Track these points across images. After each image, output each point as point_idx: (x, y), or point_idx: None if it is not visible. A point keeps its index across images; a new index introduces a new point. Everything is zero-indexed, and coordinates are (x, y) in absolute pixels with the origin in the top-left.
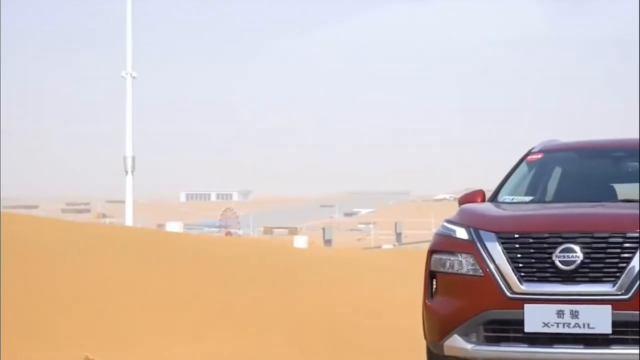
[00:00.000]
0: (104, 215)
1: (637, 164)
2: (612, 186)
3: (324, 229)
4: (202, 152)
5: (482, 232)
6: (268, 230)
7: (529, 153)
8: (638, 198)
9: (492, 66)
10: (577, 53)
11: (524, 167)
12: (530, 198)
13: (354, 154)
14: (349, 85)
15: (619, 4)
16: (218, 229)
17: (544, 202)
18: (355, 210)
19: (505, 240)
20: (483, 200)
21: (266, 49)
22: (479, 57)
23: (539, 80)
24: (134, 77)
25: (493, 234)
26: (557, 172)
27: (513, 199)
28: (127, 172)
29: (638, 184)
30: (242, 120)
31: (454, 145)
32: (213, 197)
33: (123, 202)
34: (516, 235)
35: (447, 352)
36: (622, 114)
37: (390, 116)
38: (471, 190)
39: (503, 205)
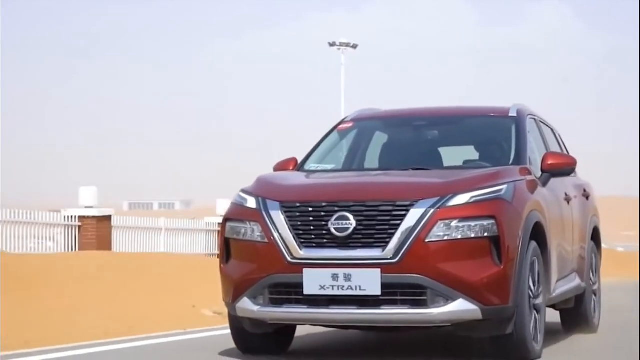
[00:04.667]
0: None
1: (437, 132)
2: (426, 152)
3: None
4: (144, 161)
5: (268, 202)
6: None
7: (341, 122)
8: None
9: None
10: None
11: (334, 135)
12: (332, 166)
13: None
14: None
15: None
16: None
17: (347, 170)
18: None
19: (288, 209)
20: (295, 168)
21: (204, 51)
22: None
23: None
24: None
25: (277, 203)
26: (367, 140)
27: (318, 167)
28: None
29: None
30: (181, 126)
31: None
32: (155, 207)
33: None
34: (297, 205)
35: (239, 314)
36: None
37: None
38: (286, 158)
39: (301, 174)
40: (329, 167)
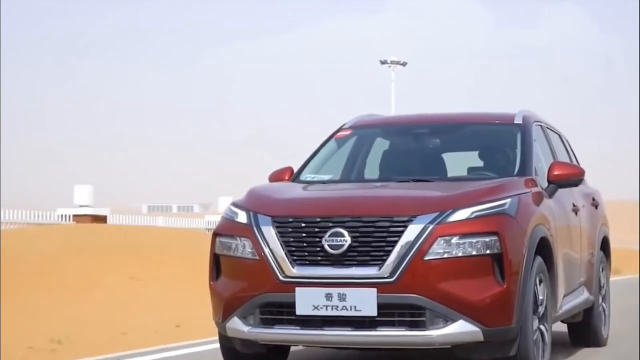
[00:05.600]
0: None
1: (438, 140)
2: (428, 161)
3: None
4: (164, 164)
5: (259, 216)
6: None
7: (339, 129)
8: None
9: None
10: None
11: (332, 143)
12: (330, 177)
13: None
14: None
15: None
16: None
17: (345, 181)
18: None
19: (280, 225)
20: (290, 178)
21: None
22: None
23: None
24: None
25: (269, 218)
26: (366, 149)
27: (314, 177)
28: None
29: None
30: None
31: None
32: (174, 209)
33: None
34: (290, 220)
35: (229, 334)
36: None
37: None
38: (281, 168)
39: (296, 186)
40: (325, 177)
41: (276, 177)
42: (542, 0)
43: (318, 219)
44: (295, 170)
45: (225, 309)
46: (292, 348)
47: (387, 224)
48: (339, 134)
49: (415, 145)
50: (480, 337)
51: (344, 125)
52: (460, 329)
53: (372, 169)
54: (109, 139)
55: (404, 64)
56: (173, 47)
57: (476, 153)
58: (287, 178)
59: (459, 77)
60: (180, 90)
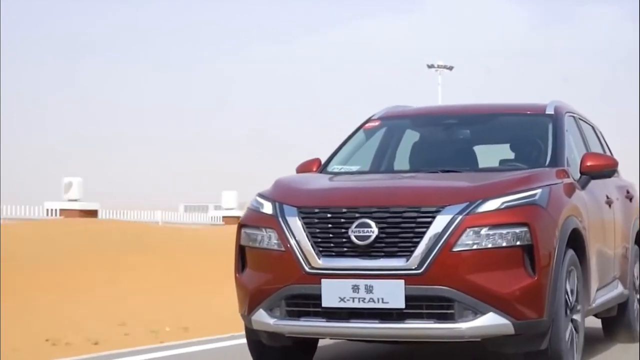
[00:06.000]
0: None
1: (469, 131)
2: (459, 152)
3: None
4: (201, 164)
5: (285, 207)
6: None
7: (367, 120)
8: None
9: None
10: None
11: (360, 134)
12: (357, 168)
13: None
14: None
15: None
16: None
17: (374, 172)
18: None
19: (306, 215)
20: (318, 169)
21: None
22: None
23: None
24: None
25: (295, 209)
26: (396, 140)
27: (341, 168)
28: None
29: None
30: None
31: None
32: (211, 209)
33: None
34: (316, 210)
35: (255, 326)
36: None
37: None
38: (310, 159)
39: (323, 177)
40: (353, 168)
41: (304, 168)
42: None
43: (344, 210)
44: (323, 161)
45: (250, 301)
46: (320, 342)
47: (415, 214)
48: (367, 124)
49: (445, 137)
50: (510, 330)
51: (372, 116)
52: (490, 321)
53: (401, 161)
54: (148, 140)
55: (451, 68)
56: (219, 42)
57: (507, 144)
58: (314, 169)
59: (500, 78)
60: (235, 89)
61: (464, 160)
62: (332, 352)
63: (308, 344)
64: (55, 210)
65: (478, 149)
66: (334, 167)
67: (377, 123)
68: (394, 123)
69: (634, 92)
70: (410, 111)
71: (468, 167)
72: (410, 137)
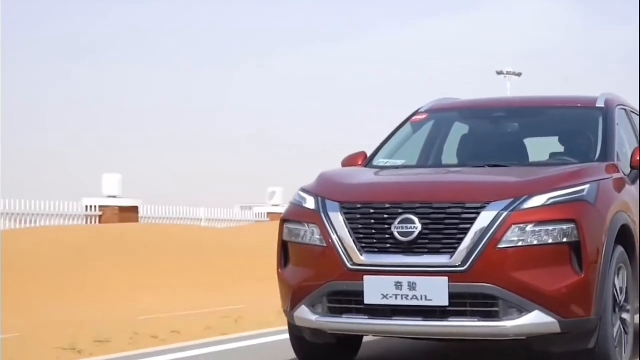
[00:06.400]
0: None
1: (517, 124)
2: (508, 146)
3: None
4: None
5: (327, 202)
6: None
7: (414, 113)
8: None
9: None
10: None
11: (407, 128)
12: (403, 162)
13: None
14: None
15: None
16: None
17: (420, 166)
18: None
19: (348, 211)
20: (363, 163)
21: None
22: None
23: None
24: None
25: (337, 204)
26: (443, 133)
27: (387, 162)
28: None
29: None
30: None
31: None
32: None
33: None
34: (358, 206)
35: (297, 323)
36: None
37: None
38: (355, 152)
39: (367, 171)
40: (399, 162)
41: (349, 162)
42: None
43: (387, 205)
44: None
45: (293, 297)
46: (365, 339)
47: (459, 210)
48: (414, 117)
49: (494, 130)
50: (556, 328)
51: (419, 109)
52: (536, 320)
53: (448, 154)
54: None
55: (519, 74)
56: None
57: (556, 137)
58: (360, 163)
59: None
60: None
61: (513, 154)
62: (376, 350)
63: (351, 341)
64: (95, 206)
65: (528, 143)
66: (379, 160)
67: (424, 116)
68: (442, 116)
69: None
70: (459, 104)
71: (517, 161)
72: (459, 130)
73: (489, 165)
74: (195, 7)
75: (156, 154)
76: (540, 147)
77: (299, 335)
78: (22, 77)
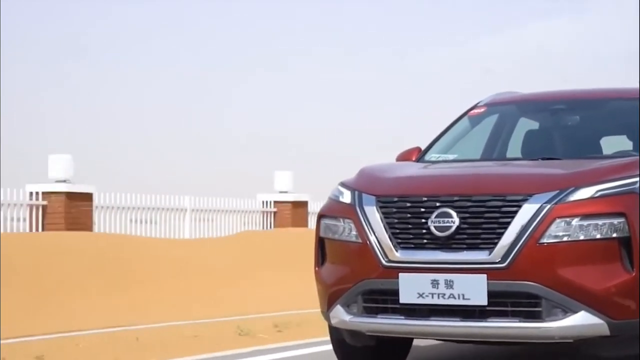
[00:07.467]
0: None
1: (578, 117)
2: (571, 140)
3: None
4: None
5: (364, 196)
6: None
7: (473, 107)
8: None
9: None
10: None
11: (465, 122)
12: (454, 156)
13: None
14: None
15: None
16: None
17: (472, 160)
18: None
19: (384, 205)
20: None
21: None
22: None
23: None
24: None
25: (373, 198)
26: (505, 127)
27: (439, 157)
28: None
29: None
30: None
31: None
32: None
33: None
34: (395, 199)
35: (333, 323)
36: None
37: None
38: (410, 148)
39: (413, 165)
40: (451, 157)
41: (403, 157)
42: None
43: (424, 199)
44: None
45: (329, 296)
46: (415, 342)
47: (500, 203)
48: (472, 111)
49: (556, 123)
50: (605, 330)
51: (478, 102)
52: (583, 321)
53: (513, 148)
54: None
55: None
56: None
57: (619, 130)
58: (413, 158)
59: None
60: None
61: (574, 148)
62: (428, 355)
63: (396, 345)
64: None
65: (591, 136)
66: (431, 155)
67: (482, 109)
68: (501, 109)
69: None
70: (519, 97)
71: (577, 154)
72: (523, 124)
73: (542, 159)
74: (195, 7)
75: (156, 153)
76: (605, 141)
77: (339, 338)
78: (22, 77)
